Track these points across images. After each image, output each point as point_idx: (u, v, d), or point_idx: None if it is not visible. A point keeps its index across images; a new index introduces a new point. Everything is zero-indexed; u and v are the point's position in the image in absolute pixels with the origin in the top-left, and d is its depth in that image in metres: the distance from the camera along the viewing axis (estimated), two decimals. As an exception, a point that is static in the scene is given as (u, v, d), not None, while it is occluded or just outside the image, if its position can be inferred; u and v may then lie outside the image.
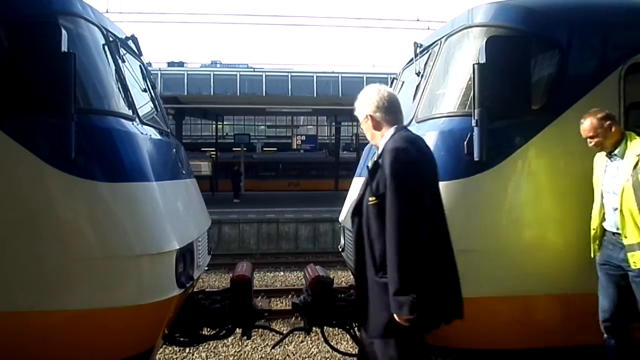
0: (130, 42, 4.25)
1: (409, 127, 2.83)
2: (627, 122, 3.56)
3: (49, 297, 2.99)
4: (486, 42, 3.27)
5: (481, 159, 3.27)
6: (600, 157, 3.34)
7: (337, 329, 4.70)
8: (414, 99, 4.08)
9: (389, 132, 2.65)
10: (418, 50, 4.42)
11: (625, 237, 3.13)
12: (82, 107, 3.10)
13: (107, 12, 14.36)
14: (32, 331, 2.99)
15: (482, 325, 3.31)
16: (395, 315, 2.39)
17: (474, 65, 3.27)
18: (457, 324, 2.47)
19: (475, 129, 3.25)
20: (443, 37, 3.97)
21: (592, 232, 3.34)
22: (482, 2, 3.71)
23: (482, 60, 3.26)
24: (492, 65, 3.23)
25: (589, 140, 3.26)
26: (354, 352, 4.74)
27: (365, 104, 2.72)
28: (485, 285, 3.29)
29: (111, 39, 3.70)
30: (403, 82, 4.86)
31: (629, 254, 3.12)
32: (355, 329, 4.23)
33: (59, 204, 3.04)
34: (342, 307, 4.10)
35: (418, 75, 4.18)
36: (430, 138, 3.52)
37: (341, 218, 5.02)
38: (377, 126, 2.70)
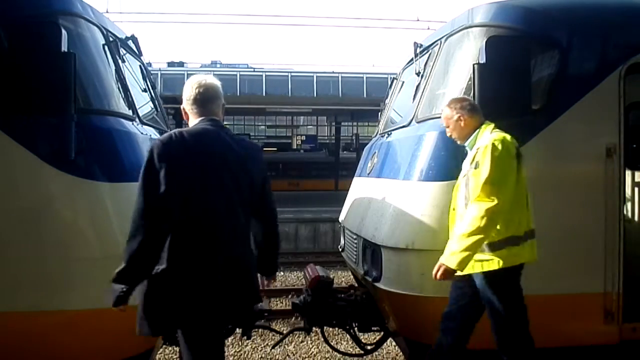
0: (130, 42, 4.25)
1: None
2: (627, 122, 3.56)
3: (49, 297, 2.99)
4: (486, 42, 3.27)
5: (481, 159, 3.27)
6: None
7: (337, 329, 4.70)
8: (414, 99, 4.08)
9: (193, 123, 2.57)
10: (418, 50, 4.42)
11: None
12: (82, 107, 3.10)
13: (107, 12, 14.40)
14: (32, 331, 2.98)
15: (482, 324, 3.30)
16: None
17: (474, 65, 3.27)
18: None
19: (475, 129, 3.25)
20: (443, 37, 3.97)
21: None
22: (482, 2, 3.71)
23: (482, 60, 3.25)
24: (492, 66, 3.22)
25: (446, 129, 3.07)
26: (354, 352, 4.74)
27: (183, 97, 2.63)
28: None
29: (111, 39, 3.70)
30: (403, 82, 4.86)
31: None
32: (355, 329, 4.24)
33: (59, 204, 3.04)
34: (342, 307, 4.09)
35: (418, 75, 4.19)
36: (430, 138, 3.53)
37: (341, 218, 5.02)
38: (187, 118, 2.63)
